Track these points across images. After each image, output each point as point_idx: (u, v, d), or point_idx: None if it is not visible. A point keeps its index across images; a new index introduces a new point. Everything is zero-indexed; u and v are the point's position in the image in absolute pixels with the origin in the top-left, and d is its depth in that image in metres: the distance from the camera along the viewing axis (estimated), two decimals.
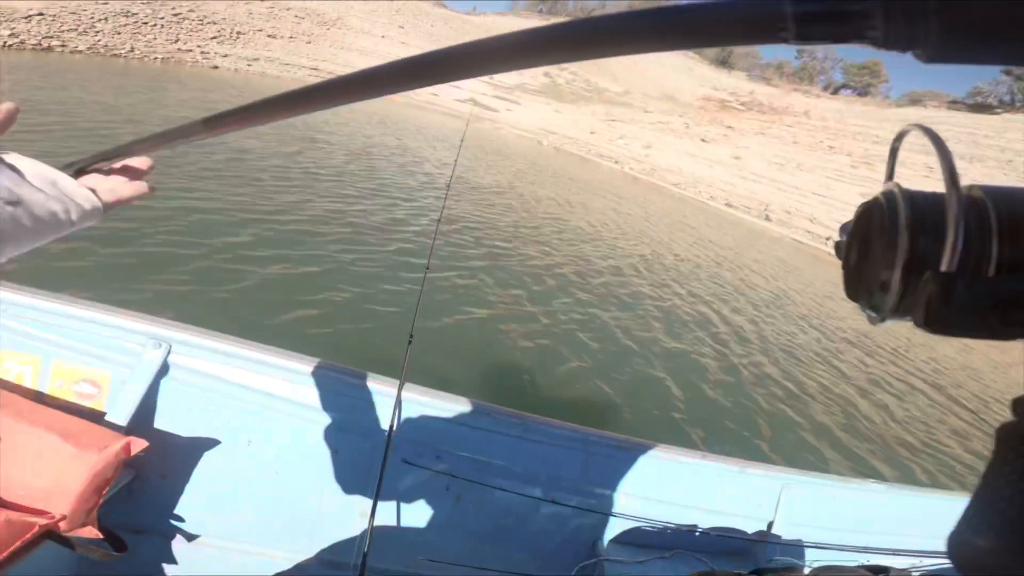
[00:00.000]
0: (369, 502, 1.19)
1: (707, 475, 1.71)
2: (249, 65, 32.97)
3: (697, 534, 1.69)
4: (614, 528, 1.66)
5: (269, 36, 38.35)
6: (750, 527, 1.72)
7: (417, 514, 1.57)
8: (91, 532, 1.16)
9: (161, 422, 1.39)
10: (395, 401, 1.37)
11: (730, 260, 13.99)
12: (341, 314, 4.65)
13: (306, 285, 4.97)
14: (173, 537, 1.47)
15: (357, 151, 13.43)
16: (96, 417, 1.34)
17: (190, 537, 1.49)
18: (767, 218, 27.55)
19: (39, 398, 1.35)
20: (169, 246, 5.01)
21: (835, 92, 73.76)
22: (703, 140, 35.47)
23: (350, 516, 1.51)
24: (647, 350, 5.86)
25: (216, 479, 1.47)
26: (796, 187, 30.88)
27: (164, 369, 1.36)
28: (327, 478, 1.48)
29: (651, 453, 1.67)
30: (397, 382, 1.40)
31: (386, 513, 1.53)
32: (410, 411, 1.49)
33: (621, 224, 14.25)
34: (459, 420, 1.52)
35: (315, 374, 1.42)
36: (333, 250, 6.05)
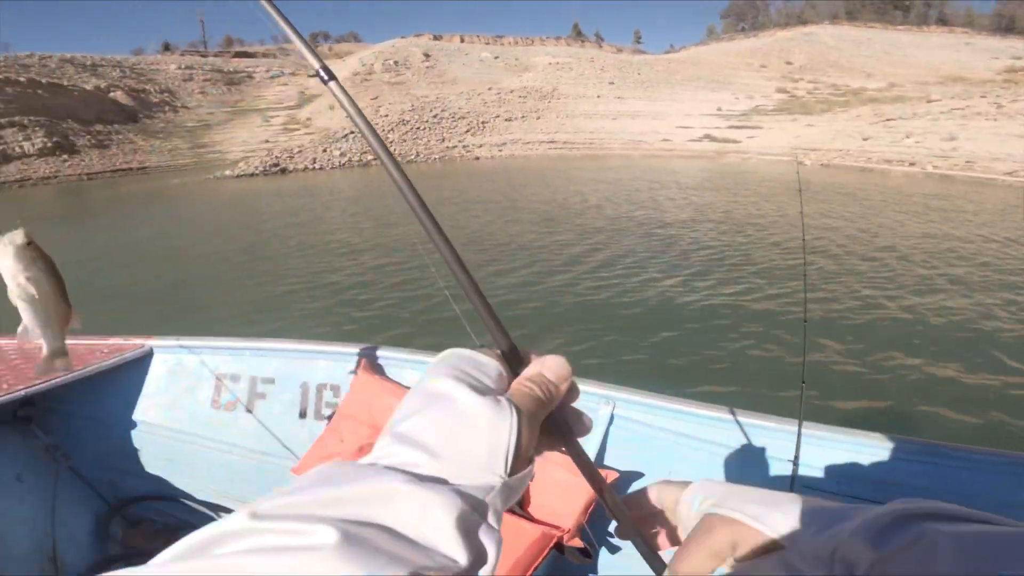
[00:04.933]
0: None
1: None
2: (500, 151, 37.11)
3: None
4: None
5: (506, 120, 42.72)
6: None
7: None
8: (576, 542, 1.59)
9: (612, 458, 1.82)
10: (796, 438, 1.52)
11: None
12: (736, 362, 5.35)
13: (702, 341, 5.85)
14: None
15: (687, 219, 13.30)
16: None
17: None
18: None
19: None
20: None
21: None
22: None
23: None
24: None
25: None
26: None
27: (611, 420, 1.81)
28: None
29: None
30: (795, 420, 1.56)
31: None
32: (808, 445, 1.59)
33: None
34: (854, 447, 1.63)
35: (722, 418, 1.70)
36: (717, 307, 6.93)
